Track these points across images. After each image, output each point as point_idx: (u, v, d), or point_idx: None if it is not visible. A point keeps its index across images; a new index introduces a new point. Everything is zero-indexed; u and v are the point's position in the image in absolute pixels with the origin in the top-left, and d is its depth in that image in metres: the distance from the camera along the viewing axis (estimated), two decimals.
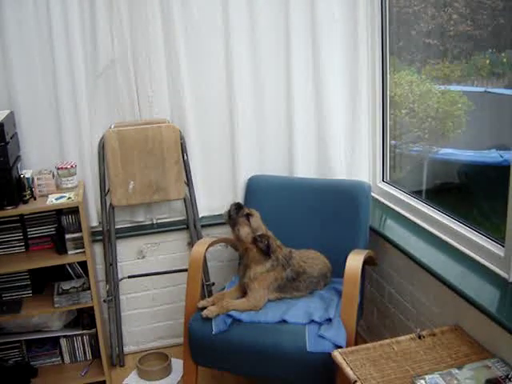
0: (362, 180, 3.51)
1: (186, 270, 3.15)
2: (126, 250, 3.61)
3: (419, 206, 3.27)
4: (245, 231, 2.99)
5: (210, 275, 3.67)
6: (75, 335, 3.48)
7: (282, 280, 2.98)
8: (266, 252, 2.96)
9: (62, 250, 3.18)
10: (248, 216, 3.01)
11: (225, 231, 3.42)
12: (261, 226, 3.03)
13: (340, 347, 2.56)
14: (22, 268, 3.21)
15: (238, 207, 3.05)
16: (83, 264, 3.23)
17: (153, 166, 3.43)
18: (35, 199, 3.12)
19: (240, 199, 3.58)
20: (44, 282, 3.39)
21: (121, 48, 3.31)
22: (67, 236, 3.16)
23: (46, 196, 3.15)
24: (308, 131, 3.63)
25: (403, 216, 3.38)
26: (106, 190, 3.46)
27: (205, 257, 3.24)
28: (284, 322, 2.78)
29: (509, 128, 3.21)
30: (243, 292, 3.00)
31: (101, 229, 3.50)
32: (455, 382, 2.18)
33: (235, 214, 3.02)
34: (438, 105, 3.92)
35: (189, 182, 3.53)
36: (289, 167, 3.67)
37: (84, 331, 3.47)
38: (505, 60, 3.46)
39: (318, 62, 3.51)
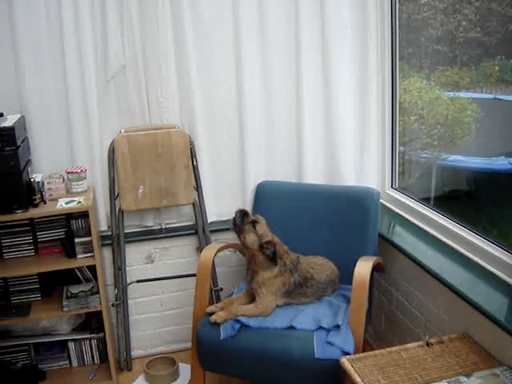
0: (370, 186, 3.51)
1: (194, 275, 3.16)
2: (134, 255, 3.62)
3: (428, 213, 3.26)
4: (251, 239, 2.98)
5: (219, 280, 3.67)
6: (83, 339, 3.49)
7: (289, 285, 2.97)
8: (273, 259, 2.96)
9: (71, 253, 3.19)
10: (254, 223, 3.00)
11: (233, 236, 3.41)
12: (267, 232, 3.02)
13: (348, 354, 2.56)
14: (31, 271, 3.23)
15: (243, 215, 3.03)
16: (92, 268, 3.25)
17: (162, 170, 3.44)
18: (45, 203, 3.13)
19: (249, 205, 3.59)
20: (53, 286, 3.40)
21: (131, 53, 3.33)
22: (76, 240, 3.18)
23: (56, 200, 3.16)
24: (317, 137, 3.63)
25: (412, 223, 3.38)
26: (116, 195, 3.47)
27: (213, 262, 3.24)
28: (292, 328, 2.78)
29: None
30: (251, 297, 3.00)
31: (110, 233, 3.51)
32: None
33: (240, 222, 3.01)
34: (446, 111, 3.93)
35: (198, 188, 3.54)
36: (298, 173, 3.67)
37: (92, 335, 3.49)
38: None
39: (328, 68, 3.52)
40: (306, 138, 3.60)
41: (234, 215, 3.05)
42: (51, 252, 3.29)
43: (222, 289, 3.67)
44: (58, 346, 3.51)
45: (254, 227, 2.99)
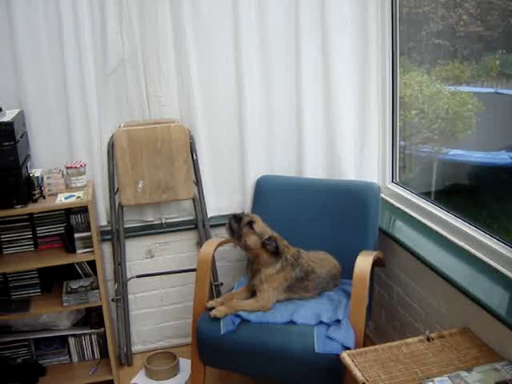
0: (371, 181, 3.50)
1: (194, 270, 3.15)
2: (134, 250, 3.62)
3: (428, 208, 3.26)
4: (252, 240, 2.97)
5: (219, 275, 3.67)
6: (83, 334, 3.49)
7: (291, 280, 2.97)
8: (276, 253, 2.95)
9: (70, 249, 3.19)
10: (250, 224, 2.99)
11: None
12: (265, 229, 3.01)
13: (348, 349, 2.56)
14: (31, 267, 3.22)
15: (237, 219, 3.01)
16: (92, 263, 3.24)
17: (162, 165, 3.43)
18: (44, 198, 3.12)
19: (249, 199, 3.59)
20: (53, 281, 3.40)
21: (131, 47, 3.32)
22: (76, 235, 3.17)
23: (56, 195, 3.15)
24: (317, 131, 3.62)
25: (412, 217, 3.37)
26: (115, 190, 3.46)
27: (213, 257, 3.24)
28: (292, 322, 2.77)
29: None
30: (252, 292, 3.00)
31: (110, 228, 3.51)
32: None
33: (237, 227, 3.00)
34: (447, 106, 3.91)
35: (198, 182, 3.53)
36: (298, 167, 3.67)
37: (92, 330, 3.48)
38: None
39: (328, 62, 3.50)
40: (307, 132, 3.59)
41: (228, 222, 3.03)
42: (51, 247, 3.28)
43: (222, 283, 3.66)
44: (58, 341, 3.51)
45: (252, 228, 2.97)
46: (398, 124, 3.64)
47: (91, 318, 3.49)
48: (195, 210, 3.58)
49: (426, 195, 3.45)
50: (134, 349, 3.75)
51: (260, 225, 3.00)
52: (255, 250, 2.98)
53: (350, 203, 3.29)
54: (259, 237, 2.96)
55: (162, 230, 3.64)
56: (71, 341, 3.49)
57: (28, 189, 3.03)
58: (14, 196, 2.97)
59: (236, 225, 2.99)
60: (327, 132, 3.62)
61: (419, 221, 3.30)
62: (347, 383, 2.50)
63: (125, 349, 3.65)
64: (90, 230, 3.13)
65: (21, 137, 3.04)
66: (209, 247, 3.16)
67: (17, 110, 3.13)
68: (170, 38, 3.35)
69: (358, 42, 3.52)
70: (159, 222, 3.67)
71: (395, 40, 3.52)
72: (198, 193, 3.56)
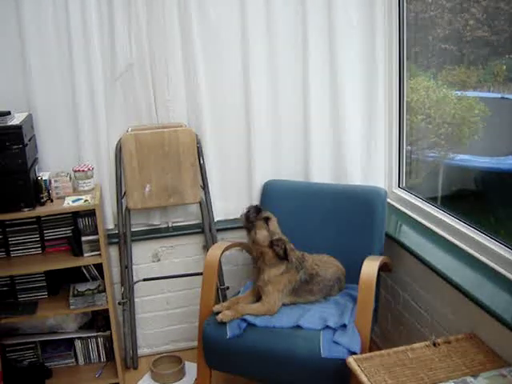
0: (377, 186, 3.49)
1: (200, 274, 3.16)
2: (141, 253, 3.62)
3: (435, 213, 3.25)
4: (262, 235, 2.98)
5: (225, 279, 3.67)
6: (90, 337, 3.50)
7: (295, 283, 2.97)
8: (283, 257, 2.96)
9: (78, 252, 3.20)
10: (266, 219, 3.01)
11: (240, 235, 3.42)
12: (277, 230, 3.04)
13: (354, 353, 2.56)
14: (38, 269, 3.24)
15: (257, 210, 3.04)
16: (99, 266, 3.25)
17: (169, 169, 3.44)
18: (52, 201, 3.14)
19: (256, 203, 3.58)
20: (59, 284, 3.41)
21: (139, 52, 3.33)
22: (83, 238, 3.18)
23: (63, 198, 3.16)
24: (324, 136, 3.62)
25: (419, 222, 3.37)
26: (123, 193, 3.47)
27: (220, 261, 3.24)
28: (298, 327, 2.78)
29: None
30: (258, 296, 3.00)
31: (117, 231, 3.52)
32: None
33: (254, 218, 3.02)
34: (454, 111, 3.91)
35: (204, 186, 3.54)
36: (304, 172, 3.67)
37: (98, 333, 3.49)
38: None
39: (335, 67, 3.51)
40: (313, 136, 3.59)
41: (246, 210, 3.05)
42: (58, 250, 3.30)
43: (228, 287, 3.67)
44: (64, 344, 3.52)
45: (267, 223, 2.99)
46: (404, 129, 3.64)
47: (97, 321, 3.51)
48: (202, 213, 3.58)
49: (432, 200, 3.45)
50: (140, 352, 3.76)
51: (274, 224, 3.03)
52: (261, 248, 2.99)
53: (357, 208, 3.30)
54: (270, 235, 2.97)
55: (169, 234, 3.64)
56: (77, 344, 3.51)
57: (36, 192, 3.04)
58: (22, 199, 2.98)
59: (254, 215, 3.01)
60: (334, 137, 3.63)
61: (425, 226, 3.30)
62: None
63: (131, 352, 3.66)
64: (97, 234, 3.14)
65: (29, 140, 3.06)
66: (216, 251, 3.16)
67: (25, 114, 3.14)
68: (178, 42, 3.36)
69: (365, 47, 3.52)
70: (166, 225, 3.68)
71: (402, 44, 3.53)
72: (205, 197, 3.56)
